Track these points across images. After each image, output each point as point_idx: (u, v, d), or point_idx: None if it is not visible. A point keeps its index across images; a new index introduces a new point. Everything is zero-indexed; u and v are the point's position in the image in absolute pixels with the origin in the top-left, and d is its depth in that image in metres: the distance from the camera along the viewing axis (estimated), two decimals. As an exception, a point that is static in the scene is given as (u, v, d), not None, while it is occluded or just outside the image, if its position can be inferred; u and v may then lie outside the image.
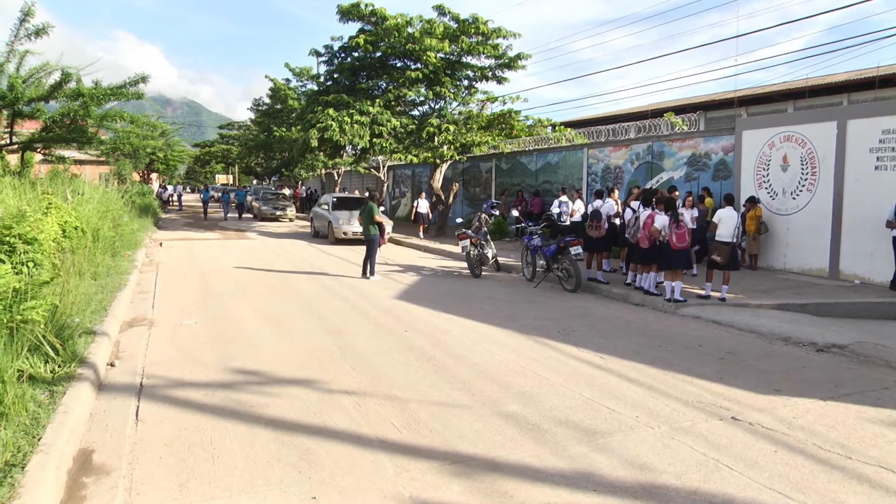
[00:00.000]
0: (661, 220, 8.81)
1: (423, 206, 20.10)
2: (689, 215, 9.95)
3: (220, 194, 37.75)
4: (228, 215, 30.07)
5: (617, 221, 10.85)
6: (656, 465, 3.70)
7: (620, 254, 11.24)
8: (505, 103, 20.00)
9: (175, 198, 40.10)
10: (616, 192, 11.82)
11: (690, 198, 10.91)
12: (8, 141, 15.97)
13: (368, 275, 11.35)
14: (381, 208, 16.80)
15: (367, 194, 13.59)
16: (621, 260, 11.25)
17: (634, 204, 10.32)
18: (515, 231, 17.02)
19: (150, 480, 3.44)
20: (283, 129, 30.71)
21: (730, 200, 9.21)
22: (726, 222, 8.85)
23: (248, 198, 33.93)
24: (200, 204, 33.81)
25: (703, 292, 9.05)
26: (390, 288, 10.29)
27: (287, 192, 35.80)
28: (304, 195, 35.82)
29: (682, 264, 8.79)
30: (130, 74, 16.85)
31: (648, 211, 9.24)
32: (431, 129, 17.90)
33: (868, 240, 10.25)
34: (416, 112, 20.34)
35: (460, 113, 20.05)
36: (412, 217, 20.73)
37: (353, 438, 4.05)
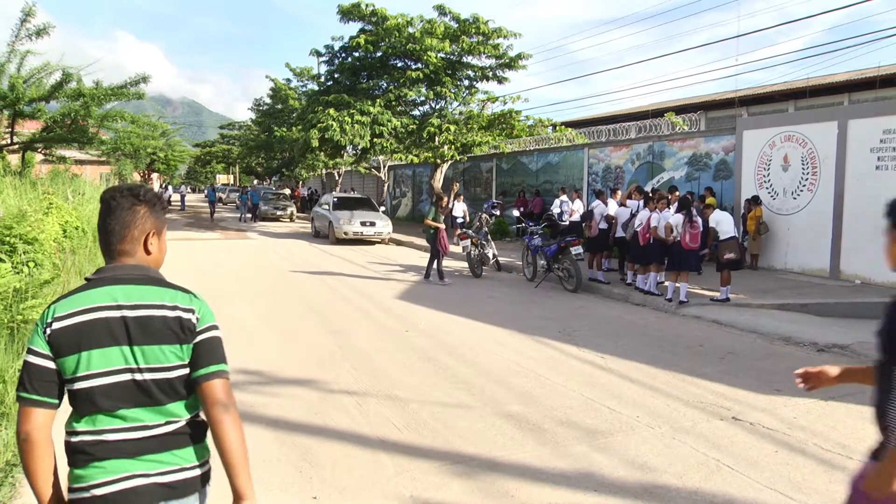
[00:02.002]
0: (676, 218, 8.73)
1: (458, 209, 17.36)
2: (722, 218, 9.57)
3: (237, 195, 35.27)
4: (245, 216, 28.40)
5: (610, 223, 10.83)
6: (657, 465, 3.70)
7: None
8: (505, 103, 20.01)
9: (179, 199, 40.04)
10: (619, 192, 11.73)
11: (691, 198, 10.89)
12: (9, 141, 15.97)
13: (430, 278, 10.97)
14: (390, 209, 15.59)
15: (434, 197, 13.13)
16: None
17: (632, 203, 10.34)
18: (516, 231, 17.02)
19: (150, 480, 3.43)
20: (284, 129, 30.70)
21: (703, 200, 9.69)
22: (725, 221, 8.88)
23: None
24: (202, 204, 32.83)
25: (718, 295, 8.79)
26: (392, 288, 10.29)
27: (287, 192, 35.75)
28: (305, 196, 35.80)
29: (691, 265, 8.76)
30: (131, 74, 16.85)
31: (647, 212, 9.24)
32: (432, 129, 17.90)
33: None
34: (416, 112, 20.33)
35: (461, 113, 20.04)
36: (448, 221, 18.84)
37: (354, 438, 4.05)
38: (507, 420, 4.40)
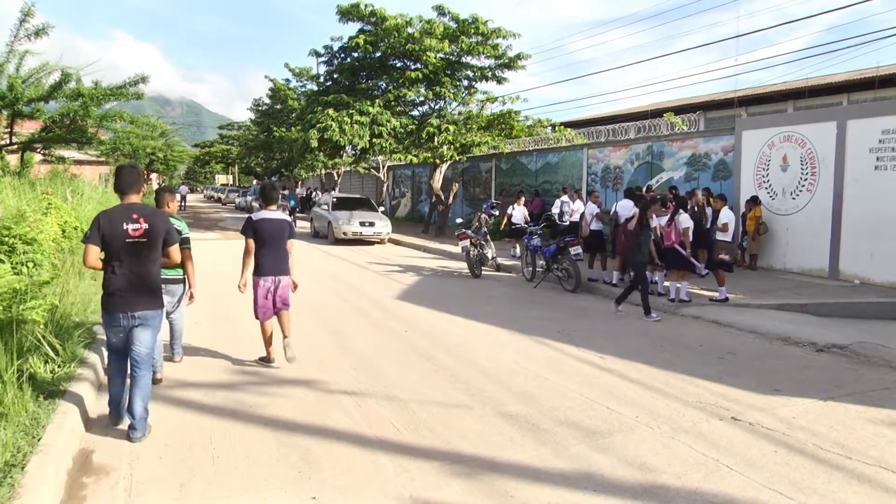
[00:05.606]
0: (683, 219, 8.81)
1: (519, 214, 13.96)
2: (726, 215, 9.35)
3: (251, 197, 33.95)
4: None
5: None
6: (656, 465, 3.70)
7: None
8: (505, 103, 19.99)
9: (179, 199, 39.97)
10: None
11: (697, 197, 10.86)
12: (8, 141, 15.95)
13: (646, 314, 7.99)
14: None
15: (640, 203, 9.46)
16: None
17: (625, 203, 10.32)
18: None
19: (150, 480, 3.44)
20: (283, 130, 30.69)
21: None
22: (732, 222, 8.94)
23: (248, 198, 33.73)
24: (202, 205, 32.74)
25: (717, 296, 8.80)
26: (391, 288, 10.28)
27: (286, 192, 35.63)
28: (304, 196, 35.73)
29: (681, 264, 8.79)
30: (129, 74, 16.83)
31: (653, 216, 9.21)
32: (431, 130, 17.89)
33: (868, 240, 10.24)
34: (415, 112, 20.32)
35: (460, 113, 20.03)
36: (503, 228, 15.41)
37: (354, 438, 4.05)
38: (507, 420, 4.40)
